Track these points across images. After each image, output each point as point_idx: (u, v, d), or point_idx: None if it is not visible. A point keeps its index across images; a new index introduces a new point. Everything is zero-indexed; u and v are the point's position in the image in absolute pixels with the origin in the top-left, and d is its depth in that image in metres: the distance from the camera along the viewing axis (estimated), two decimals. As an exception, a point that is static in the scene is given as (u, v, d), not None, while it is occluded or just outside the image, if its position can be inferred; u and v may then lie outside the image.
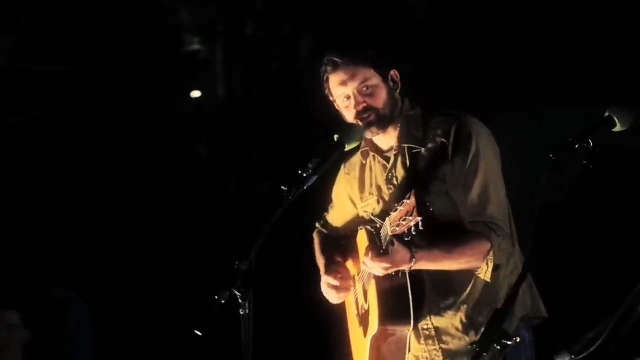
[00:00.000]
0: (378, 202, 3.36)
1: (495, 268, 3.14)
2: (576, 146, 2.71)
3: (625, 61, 7.07)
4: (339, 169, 3.58)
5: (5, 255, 7.99)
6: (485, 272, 3.15)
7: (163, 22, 9.74)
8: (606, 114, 2.81)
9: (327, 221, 3.66)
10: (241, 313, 2.95)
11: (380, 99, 3.27)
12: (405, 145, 3.28)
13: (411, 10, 8.40)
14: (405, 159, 3.28)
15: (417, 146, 3.26)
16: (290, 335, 7.34)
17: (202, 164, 9.17)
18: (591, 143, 2.71)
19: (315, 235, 3.69)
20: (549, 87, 7.63)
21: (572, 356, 2.51)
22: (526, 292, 3.25)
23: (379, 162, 3.37)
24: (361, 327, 3.41)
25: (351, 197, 3.51)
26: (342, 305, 3.58)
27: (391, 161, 3.33)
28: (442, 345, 3.25)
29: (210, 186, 9.00)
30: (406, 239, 3.04)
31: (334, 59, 3.27)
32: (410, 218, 2.95)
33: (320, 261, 3.59)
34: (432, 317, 3.23)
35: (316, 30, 8.75)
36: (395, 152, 3.32)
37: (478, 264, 3.14)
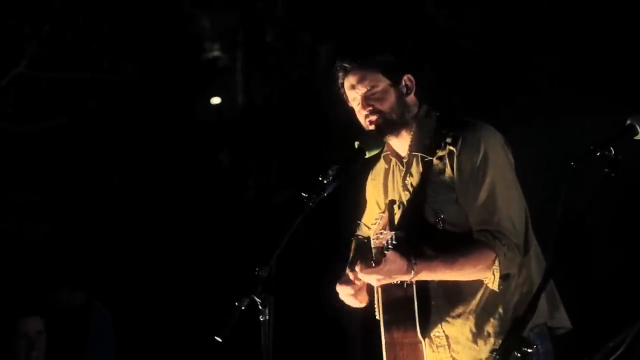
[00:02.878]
0: (399, 208, 3.35)
1: (505, 278, 3.10)
2: (598, 154, 2.70)
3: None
4: (367, 175, 3.57)
5: (30, 260, 8.04)
6: (492, 282, 3.12)
7: (184, 30, 9.79)
8: (628, 122, 2.79)
9: (361, 226, 3.66)
10: (261, 319, 2.94)
11: (388, 103, 3.26)
12: (416, 153, 3.28)
13: (431, 17, 8.40)
14: (419, 166, 3.28)
15: (427, 155, 3.25)
16: (310, 341, 7.35)
17: (223, 171, 9.20)
18: (613, 151, 2.69)
19: (352, 242, 3.70)
20: (570, 95, 7.60)
21: (594, 365, 2.50)
22: (543, 300, 3.20)
23: (398, 167, 3.38)
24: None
25: (378, 202, 3.50)
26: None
27: (406, 168, 3.33)
28: (453, 354, 3.23)
29: (231, 194, 9.02)
30: (385, 251, 3.00)
31: (344, 64, 3.29)
32: (385, 232, 2.93)
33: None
34: (443, 325, 3.22)
35: (334, 38, 8.76)
36: (407, 159, 3.32)
37: (484, 274, 3.11)
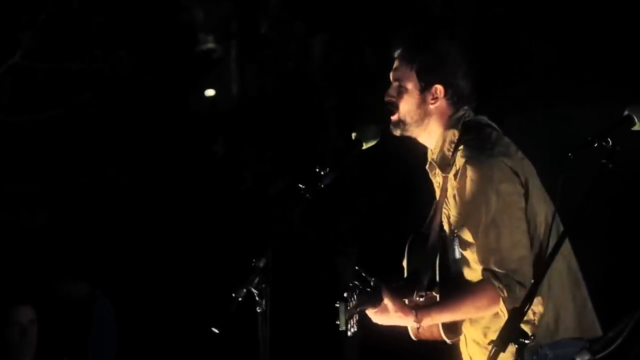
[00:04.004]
0: (436, 201, 3.36)
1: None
2: (595, 145, 2.69)
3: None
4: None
5: (24, 250, 8.03)
6: (503, 317, 3.14)
7: (178, 21, 9.76)
8: (626, 112, 2.78)
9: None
10: (258, 310, 2.94)
11: (406, 104, 3.22)
12: (437, 165, 3.26)
13: (426, 5, 8.39)
14: (438, 177, 3.28)
15: (443, 170, 3.23)
16: (307, 332, 7.36)
17: (218, 162, 9.19)
18: (611, 142, 2.68)
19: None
20: (565, 85, 7.61)
21: (592, 355, 2.50)
22: (572, 316, 3.14)
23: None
24: None
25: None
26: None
27: (434, 169, 3.32)
28: (470, 353, 3.27)
29: (226, 185, 9.01)
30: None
31: (395, 46, 3.28)
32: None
33: None
34: (464, 324, 3.26)
35: (331, 30, 8.74)
36: (430, 166, 3.31)
37: (492, 311, 3.14)
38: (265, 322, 2.95)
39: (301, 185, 3.08)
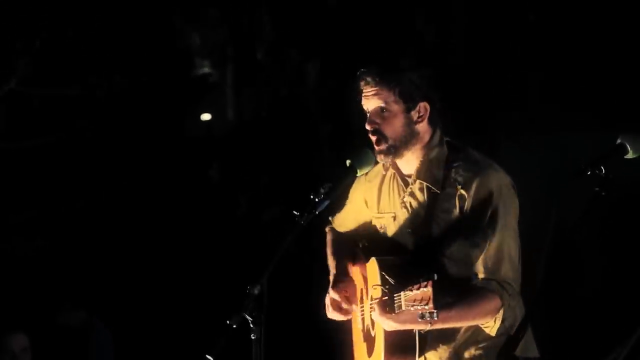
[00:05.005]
0: (394, 220, 3.35)
1: (502, 322, 3.15)
2: (589, 173, 2.71)
3: (637, 87, 7.07)
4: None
5: (18, 277, 8.01)
6: (492, 328, 3.16)
7: (174, 47, 9.79)
8: (618, 141, 2.81)
9: (340, 220, 3.62)
10: (252, 338, 2.94)
11: (392, 128, 3.22)
12: (424, 183, 3.26)
13: (420, 33, 8.43)
14: (423, 194, 3.27)
15: (434, 187, 3.23)
16: (301, 359, 7.33)
17: (213, 188, 9.18)
18: (604, 170, 2.71)
19: (328, 232, 3.67)
20: (560, 112, 7.63)
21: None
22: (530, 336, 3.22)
23: (397, 181, 3.36)
24: (365, 343, 3.42)
25: (367, 202, 3.49)
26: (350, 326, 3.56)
27: (409, 188, 3.31)
28: None
29: (221, 210, 9.00)
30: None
31: (367, 75, 3.25)
32: (426, 308, 2.92)
33: (331, 264, 3.58)
34: (430, 350, 3.25)
35: (325, 55, 8.78)
36: (413, 183, 3.30)
37: (488, 320, 3.16)
38: (259, 349, 2.95)
39: (295, 212, 3.09)
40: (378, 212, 3.42)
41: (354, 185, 3.50)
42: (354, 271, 3.52)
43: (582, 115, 7.21)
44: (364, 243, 3.50)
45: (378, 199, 3.42)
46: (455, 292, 3.15)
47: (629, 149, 2.80)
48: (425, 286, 2.93)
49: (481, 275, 3.16)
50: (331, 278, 3.50)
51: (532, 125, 7.83)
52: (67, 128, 8.14)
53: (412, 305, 2.97)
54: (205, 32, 10.14)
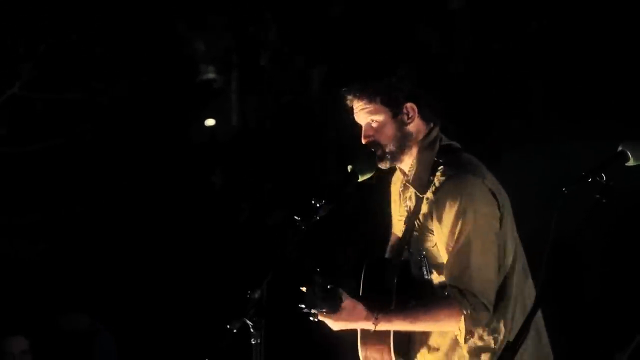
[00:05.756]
0: (403, 224, 3.37)
1: (470, 334, 3.12)
2: (589, 180, 2.71)
3: (638, 96, 7.08)
4: (390, 177, 3.53)
5: (19, 280, 8.02)
6: (459, 336, 3.15)
7: (179, 52, 9.82)
8: (619, 148, 2.81)
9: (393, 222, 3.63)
10: (253, 343, 2.95)
11: (385, 135, 3.24)
12: (411, 187, 3.28)
13: (423, 42, 8.44)
14: (412, 198, 3.29)
15: (419, 192, 3.24)
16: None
17: (215, 193, 9.20)
18: (604, 177, 2.71)
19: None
20: (562, 121, 7.64)
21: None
22: (526, 343, 3.17)
23: (403, 185, 3.38)
24: None
25: (393, 208, 3.52)
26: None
27: (408, 192, 3.33)
28: None
29: (224, 216, 9.01)
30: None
31: (347, 93, 3.28)
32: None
33: None
34: (419, 355, 3.25)
35: (329, 62, 8.79)
36: (403, 188, 3.33)
37: (449, 329, 3.14)
38: (260, 354, 2.96)
39: (297, 217, 3.10)
40: (399, 216, 3.44)
41: (392, 191, 3.52)
42: None
43: (583, 123, 7.21)
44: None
45: (399, 203, 3.44)
46: (422, 294, 3.16)
47: (630, 156, 2.80)
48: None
49: (447, 281, 3.14)
50: None
51: (533, 133, 7.84)
52: (70, 133, 8.15)
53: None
54: (210, 38, 10.17)
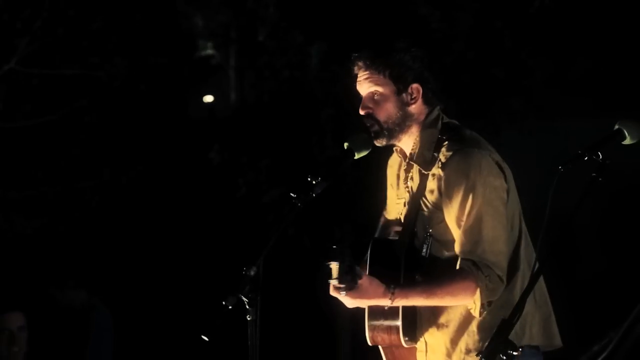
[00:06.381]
0: (405, 206, 3.36)
1: (486, 306, 3.12)
2: (586, 158, 2.70)
3: (636, 75, 7.07)
4: (386, 160, 3.52)
5: (15, 256, 8.02)
6: (474, 310, 3.14)
7: (177, 28, 9.78)
8: (616, 126, 2.80)
9: (388, 208, 3.60)
10: (248, 319, 2.95)
11: (385, 110, 3.21)
12: (415, 164, 3.26)
13: (424, 19, 8.41)
14: (417, 176, 3.27)
15: (424, 169, 3.23)
16: (297, 341, 7.35)
17: (213, 170, 9.19)
18: (601, 155, 2.70)
19: (380, 220, 3.67)
20: (562, 99, 7.63)
21: (578, 369, 2.51)
22: (538, 326, 3.15)
23: (404, 165, 3.37)
24: None
25: (392, 189, 3.50)
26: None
27: (410, 172, 3.31)
28: None
29: (221, 192, 9.01)
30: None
31: (358, 60, 3.25)
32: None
33: None
34: (425, 332, 3.24)
35: (328, 39, 8.76)
36: (406, 167, 3.31)
37: (465, 302, 3.14)
38: (255, 330, 2.95)
39: (293, 194, 3.09)
40: (398, 198, 3.42)
41: (387, 174, 3.50)
42: None
43: (582, 101, 7.21)
44: (397, 229, 3.50)
45: (397, 185, 3.42)
46: (431, 271, 3.15)
47: (627, 134, 2.79)
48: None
49: (460, 255, 3.14)
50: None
51: (535, 111, 7.82)
52: (67, 108, 8.13)
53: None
54: (208, 13, 10.13)
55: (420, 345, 3.24)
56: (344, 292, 3.01)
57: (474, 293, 3.08)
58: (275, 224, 3.05)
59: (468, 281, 3.08)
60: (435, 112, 3.27)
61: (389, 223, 3.51)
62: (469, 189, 3.11)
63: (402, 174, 3.35)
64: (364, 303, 3.10)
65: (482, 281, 3.07)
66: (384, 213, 3.55)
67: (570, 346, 3.16)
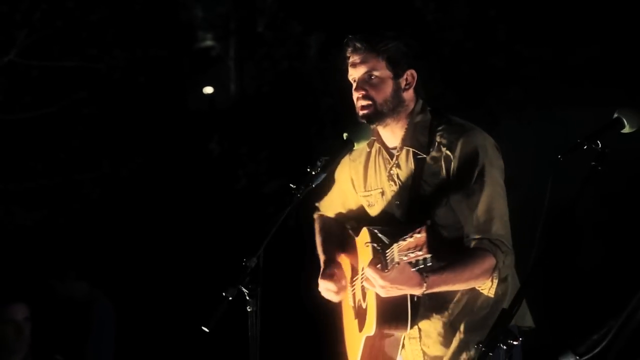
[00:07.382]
0: (382, 195, 3.36)
1: (501, 282, 3.15)
2: (585, 147, 2.71)
3: (636, 63, 7.06)
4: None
5: (19, 247, 8.04)
6: (489, 289, 3.16)
7: (177, 19, 9.77)
8: (615, 115, 2.80)
9: (327, 203, 3.62)
10: (248, 310, 2.95)
11: (382, 93, 3.23)
12: (410, 148, 3.26)
13: (419, 10, 8.40)
14: (409, 162, 3.27)
15: (421, 153, 3.24)
16: (296, 332, 7.36)
17: (213, 161, 9.20)
18: (600, 144, 2.70)
19: (315, 220, 3.66)
20: (560, 88, 7.63)
21: (577, 357, 2.51)
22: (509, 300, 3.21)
23: (383, 156, 3.36)
24: (356, 320, 3.41)
25: (354, 182, 3.49)
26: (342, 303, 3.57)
27: (394, 159, 3.31)
28: (423, 348, 3.26)
29: (221, 183, 9.02)
30: (413, 269, 2.96)
31: (355, 41, 3.25)
32: (420, 253, 2.82)
33: (320, 254, 3.57)
34: (419, 319, 3.24)
35: (327, 29, 8.76)
36: (399, 152, 3.30)
37: (484, 281, 3.15)
38: (255, 321, 2.96)
39: (292, 185, 3.09)
40: (365, 191, 3.42)
41: (339, 167, 3.50)
42: (343, 258, 3.52)
43: (581, 90, 7.20)
44: (353, 224, 3.50)
45: (365, 177, 3.41)
46: (448, 255, 3.15)
47: (626, 123, 2.79)
48: (419, 232, 2.86)
49: (473, 235, 3.14)
50: (321, 267, 3.49)
51: (533, 100, 7.82)
52: (66, 100, 8.13)
53: (406, 254, 2.88)
54: (207, 5, 10.12)
55: (413, 332, 3.25)
56: (380, 274, 2.97)
57: (494, 270, 3.10)
58: (275, 215, 3.05)
59: (489, 259, 3.11)
60: (422, 101, 3.29)
61: (331, 223, 3.52)
62: (481, 171, 3.16)
63: (379, 165, 3.35)
64: (398, 291, 3.07)
65: (500, 257, 3.11)
66: (320, 214, 3.56)
67: (570, 335, 3.16)
